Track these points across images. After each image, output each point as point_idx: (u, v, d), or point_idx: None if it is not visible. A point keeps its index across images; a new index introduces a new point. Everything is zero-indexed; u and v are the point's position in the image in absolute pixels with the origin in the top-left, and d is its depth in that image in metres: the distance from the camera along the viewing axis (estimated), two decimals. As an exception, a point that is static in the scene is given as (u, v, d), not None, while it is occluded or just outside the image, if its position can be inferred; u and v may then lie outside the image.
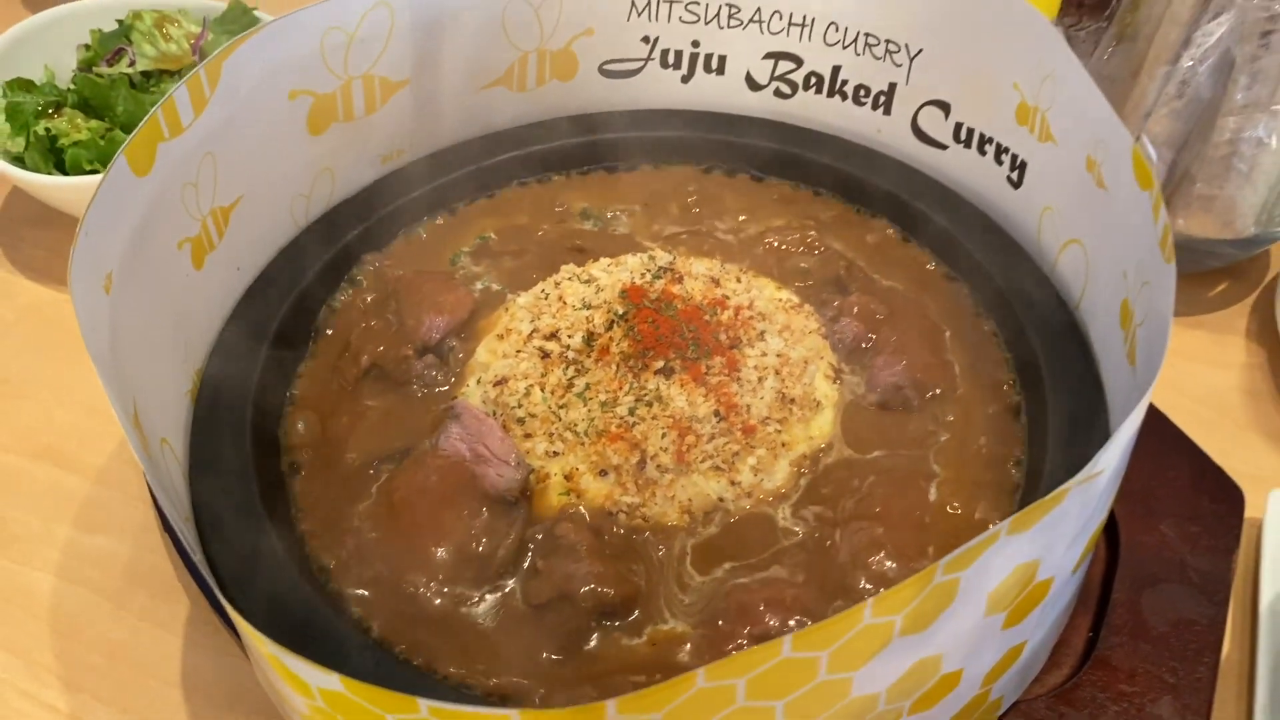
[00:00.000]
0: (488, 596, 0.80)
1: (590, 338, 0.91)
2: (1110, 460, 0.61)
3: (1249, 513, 0.98)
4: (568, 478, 0.85)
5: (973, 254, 1.02)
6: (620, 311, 0.93)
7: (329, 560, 0.83)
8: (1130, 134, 0.81)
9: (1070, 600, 0.81)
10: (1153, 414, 1.02)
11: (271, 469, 0.88)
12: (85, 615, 0.95)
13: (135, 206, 0.81)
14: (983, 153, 1.06)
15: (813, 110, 1.17)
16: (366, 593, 0.80)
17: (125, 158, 0.79)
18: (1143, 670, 0.84)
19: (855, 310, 0.99)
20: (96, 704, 0.89)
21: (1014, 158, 1.02)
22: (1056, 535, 0.61)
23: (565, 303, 0.96)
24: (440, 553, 0.80)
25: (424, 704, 0.51)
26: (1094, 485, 0.61)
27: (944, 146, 1.10)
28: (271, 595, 0.75)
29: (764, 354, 0.92)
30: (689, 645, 0.78)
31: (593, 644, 0.78)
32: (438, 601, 0.79)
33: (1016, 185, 1.02)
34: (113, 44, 1.26)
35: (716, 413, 0.86)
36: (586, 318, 0.93)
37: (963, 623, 0.60)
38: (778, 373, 0.91)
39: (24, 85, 1.22)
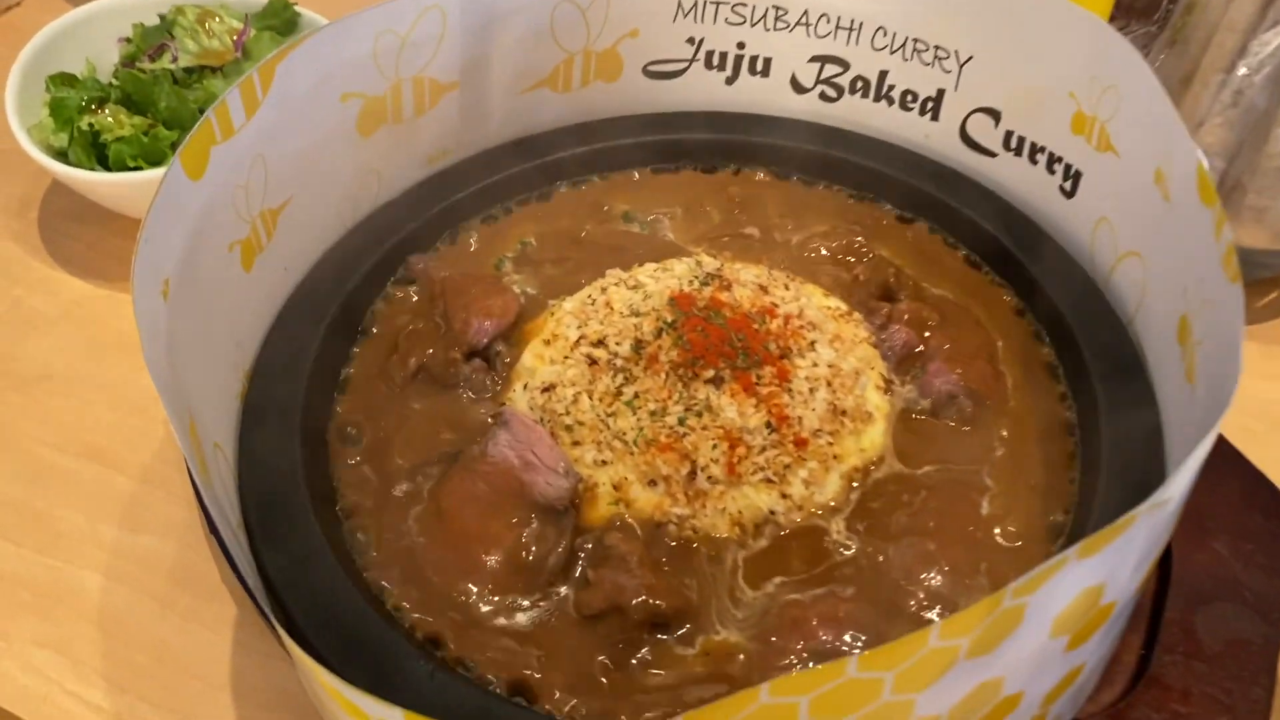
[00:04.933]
0: (539, 605, 0.80)
1: (639, 345, 0.89)
2: (1178, 488, 0.60)
3: (1302, 529, 0.96)
4: (616, 487, 0.84)
5: (1023, 263, 1.01)
6: (669, 319, 0.91)
7: (378, 566, 0.82)
8: (1195, 148, 0.79)
9: (1125, 619, 0.81)
10: (1203, 428, 1.01)
11: (320, 472, 0.87)
12: (131, 615, 0.94)
13: (190, 211, 0.80)
14: (1034, 162, 1.04)
15: (859, 114, 1.15)
16: (417, 600, 0.80)
17: (180, 162, 0.78)
18: (1197, 690, 0.83)
19: (905, 317, 0.97)
20: (142, 704, 0.89)
21: (1068, 168, 1.00)
22: (1122, 560, 0.61)
23: (612, 309, 0.94)
24: (491, 561, 0.80)
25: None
26: (1161, 512, 0.60)
27: (993, 154, 1.08)
28: (321, 602, 0.75)
29: (815, 364, 0.90)
30: (742, 657, 0.77)
31: (644, 654, 0.77)
32: (488, 609, 0.79)
33: (1069, 195, 1.00)
34: (155, 39, 1.24)
35: (768, 424, 0.85)
36: (635, 325, 0.91)
37: (1027, 646, 0.59)
38: (829, 384, 0.89)
39: (67, 80, 1.21)
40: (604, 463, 0.85)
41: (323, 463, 0.88)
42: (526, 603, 0.80)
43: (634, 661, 0.77)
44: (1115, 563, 0.61)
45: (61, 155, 1.16)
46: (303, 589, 0.75)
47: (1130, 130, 0.92)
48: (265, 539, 0.78)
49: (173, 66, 1.25)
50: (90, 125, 1.15)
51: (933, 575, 0.81)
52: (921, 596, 0.80)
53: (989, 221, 1.04)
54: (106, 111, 1.17)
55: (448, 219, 1.08)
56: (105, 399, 1.14)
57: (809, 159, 1.14)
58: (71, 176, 1.13)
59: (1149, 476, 0.83)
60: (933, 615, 0.80)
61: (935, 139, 1.12)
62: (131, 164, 1.15)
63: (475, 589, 0.80)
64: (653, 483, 0.84)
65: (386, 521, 0.85)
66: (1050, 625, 0.59)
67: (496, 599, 0.80)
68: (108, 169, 1.15)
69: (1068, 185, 1.00)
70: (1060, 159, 1.01)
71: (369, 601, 0.76)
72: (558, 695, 0.74)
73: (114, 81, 1.25)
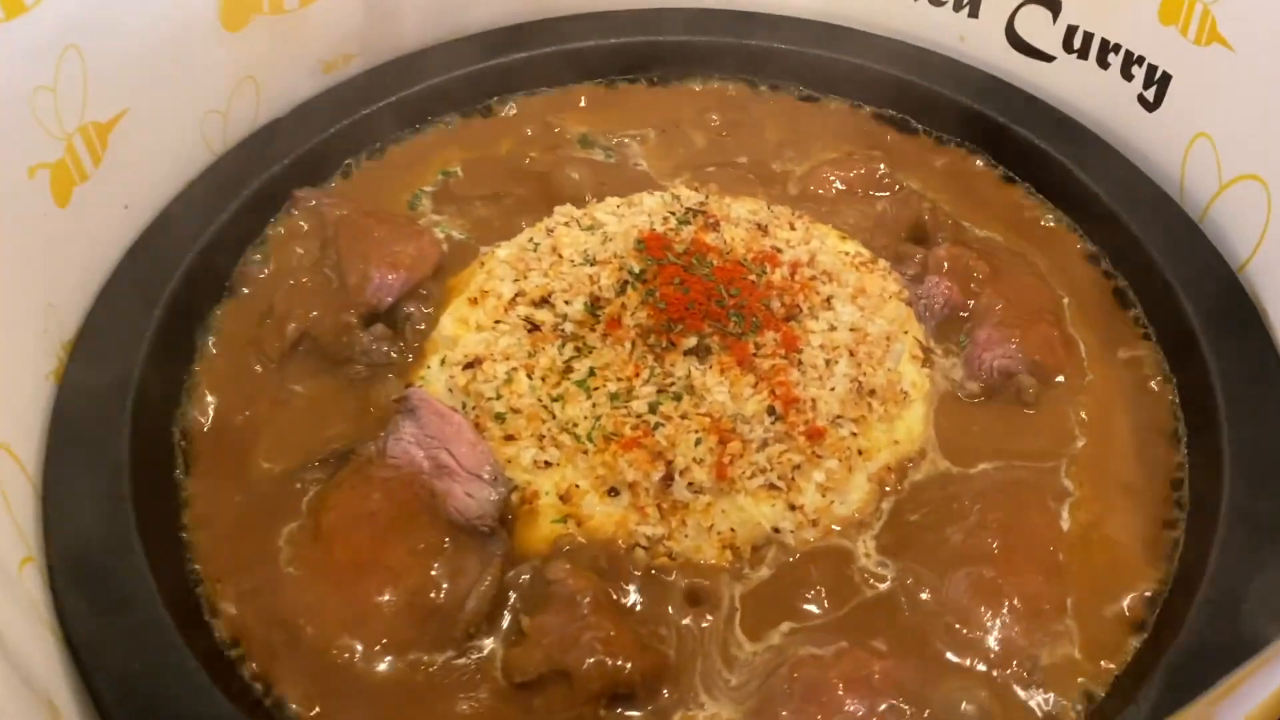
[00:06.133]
0: (453, 666, 0.68)
1: (595, 304, 0.80)
2: None
3: None
4: (564, 498, 0.75)
5: (1095, 195, 0.90)
6: (636, 269, 0.80)
7: (233, 613, 0.71)
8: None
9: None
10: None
11: (158, 481, 0.76)
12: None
13: (-49, 114, 0.68)
14: (1104, 64, 0.94)
15: (876, 11, 1.05)
16: (283, 661, 0.68)
17: (-70, 41, 0.66)
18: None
19: (945, 266, 0.86)
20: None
21: (1152, 70, 0.90)
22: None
23: (561, 256, 0.83)
24: (385, 603, 0.69)
25: None
26: None
27: (1050, 57, 0.98)
28: (144, 670, 0.63)
29: (833, 328, 0.79)
30: (741, 743, 0.66)
31: (603, 740, 0.65)
32: (381, 673, 0.68)
33: (1152, 106, 0.91)
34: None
35: (770, 409, 0.74)
36: (590, 276, 0.81)
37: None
38: (852, 354, 0.78)
39: None
40: (548, 464, 0.75)
41: (163, 468, 0.77)
42: (435, 663, 0.68)
43: (586, 751, 0.65)
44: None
45: None
46: (120, 652, 0.64)
47: (1252, 10, 0.78)
48: (72, 583, 0.67)
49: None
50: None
51: (1000, 617, 0.68)
52: (986, 647, 0.67)
53: (1046, 142, 0.95)
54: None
55: (347, 142, 0.98)
56: None
57: (815, 68, 1.04)
58: None
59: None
60: (1005, 675, 0.66)
61: (974, 41, 1.02)
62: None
63: (362, 645, 0.68)
64: (614, 491, 0.74)
65: (247, 549, 0.74)
66: (1227, 735, 0.49)
67: (392, 658, 0.68)
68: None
69: (1150, 93, 0.91)
70: (1141, 59, 0.91)
71: (212, 666, 0.65)
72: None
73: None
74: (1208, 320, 0.79)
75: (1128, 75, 0.91)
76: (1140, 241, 0.85)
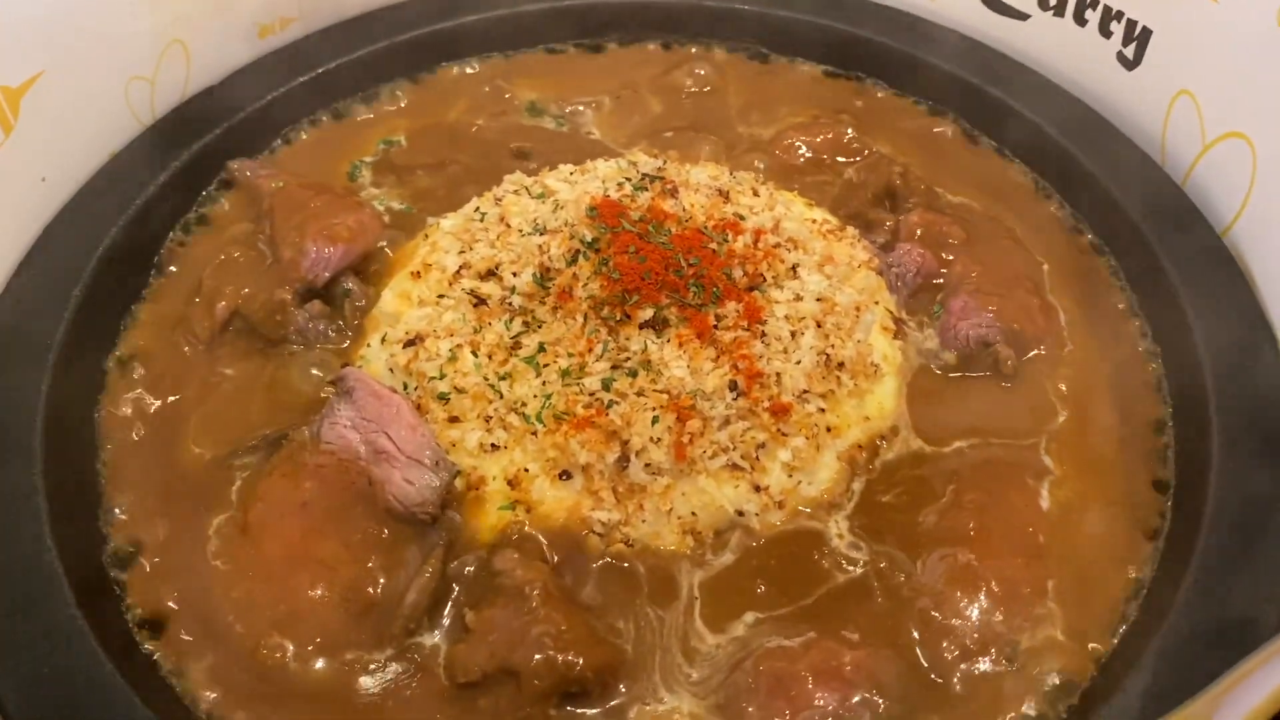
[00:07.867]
0: (391, 666, 0.65)
1: (545, 275, 0.75)
2: None
3: None
4: (512, 483, 0.71)
5: (1072, 156, 0.88)
6: (588, 238, 0.76)
7: (153, 613, 0.67)
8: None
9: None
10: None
11: (77, 471, 0.72)
12: None
13: None
14: (1082, 21, 0.92)
15: None
16: (207, 661, 0.65)
17: None
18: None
19: (918, 233, 0.83)
20: None
21: (1131, 26, 0.87)
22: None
23: (509, 226, 0.79)
24: (319, 598, 0.66)
25: None
26: None
27: (1024, 16, 0.96)
28: (55, 678, 0.60)
29: (799, 297, 0.75)
30: (703, 740, 0.63)
31: (553, 741, 0.62)
32: (314, 671, 0.65)
33: (1132, 64, 0.88)
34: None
35: (732, 384, 0.71)
36: (540, 246, 0.76)
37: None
38: (819, 325, 0.74)
39: None
40: (495, 447, 0.72)
41: (83, 457, 0.73)
42: (373, 662, 0.65)
43: (535, 754, 0.61)
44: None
45: None
46: (27, 655, 0.61)
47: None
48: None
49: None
50: None
51: (977, 601, 0.65)
52: (963, 635, 0.64)
53: (1022, 104, 0.93)
54: None
55: (284, 111, 0.95)
56: None
57: (780, 28, 1.01)
58: None
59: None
60: (982, 664, 0.63)
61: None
62: None
63: (293, 644, 0.65)
64: (566, 475, 0.71)
65: (171, 543, 0.70)
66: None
67: (326, 658, 0.65)
68: None
69: (1130, 50, 0.88)
70: (1120, 14, 0.88)
71: (130, 669, 0.62)
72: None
73: None
74: (1192, 286, 0.76)
75: (1106, 32, 0.89)
76: (1121, 205, 0.82)
